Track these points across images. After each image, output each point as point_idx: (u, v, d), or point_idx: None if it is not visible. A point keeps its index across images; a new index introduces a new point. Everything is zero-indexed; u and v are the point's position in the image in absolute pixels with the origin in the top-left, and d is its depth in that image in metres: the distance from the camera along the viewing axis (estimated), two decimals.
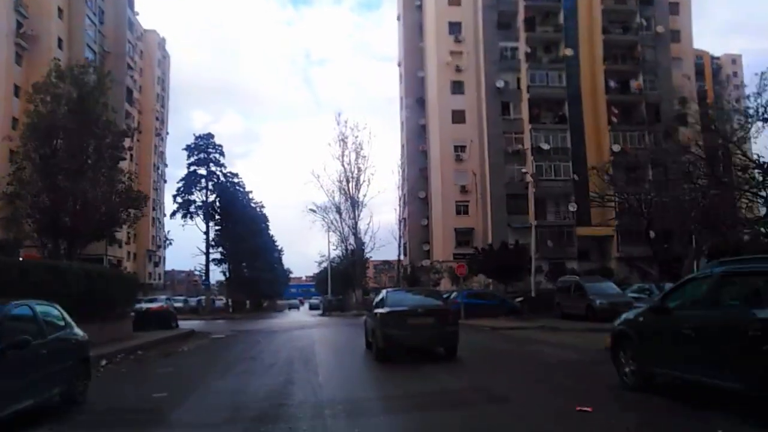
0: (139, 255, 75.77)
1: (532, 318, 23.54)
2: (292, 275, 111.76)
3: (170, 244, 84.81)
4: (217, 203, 40.35)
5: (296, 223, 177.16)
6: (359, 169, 40.00)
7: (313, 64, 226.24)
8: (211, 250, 51.95)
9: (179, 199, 39.86)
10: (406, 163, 57.28)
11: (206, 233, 40.05)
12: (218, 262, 53.82)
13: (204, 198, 40.11)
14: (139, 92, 74.95)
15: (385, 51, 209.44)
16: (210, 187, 40.06)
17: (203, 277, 45.85)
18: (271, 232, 72.87)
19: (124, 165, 66.47)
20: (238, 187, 52.21)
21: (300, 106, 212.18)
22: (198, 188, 39.88)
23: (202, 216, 40.15)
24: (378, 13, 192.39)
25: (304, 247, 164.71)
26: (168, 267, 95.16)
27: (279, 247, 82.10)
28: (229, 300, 50.16)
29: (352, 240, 41.59)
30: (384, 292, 13.64)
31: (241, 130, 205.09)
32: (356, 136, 41.37)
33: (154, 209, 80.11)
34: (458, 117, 49.14)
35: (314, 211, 40.40)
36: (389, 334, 10.78)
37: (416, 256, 54.16)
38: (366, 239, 40.58)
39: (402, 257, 57.34)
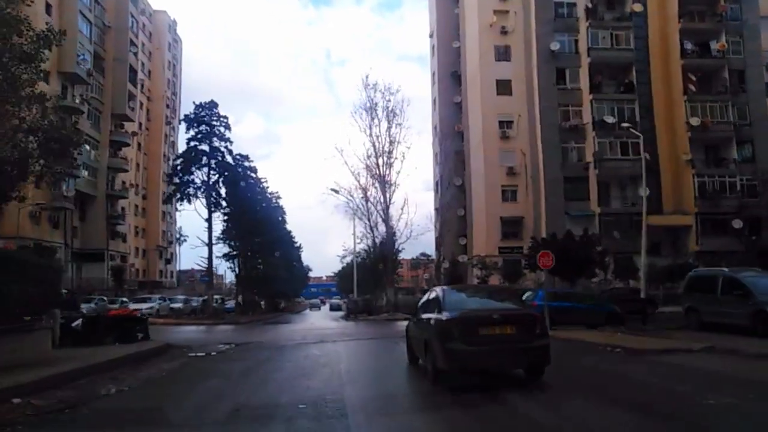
0: (148, 251, 69.83)
1: (652, 331, 16.19)
2: (311, 273, 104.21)
3: (185, 240, 78.73)
4: (221, 184, 33.44)
5: (317, 224, 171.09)
6: (391, 142, 32.84)
7: (333, 65, 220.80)
8: (218, 243, 45.39)
9: (176, 180, 33.09)
10: (439, 145, 50.14)
11: (209, 220, 33.29)
12: (229, 258, 47.27)
13: (206, 178, 33.25)
14: (148, 77, 69.04)
15: (405, 51, 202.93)
16: (213, 165, 33.24)
17: (202, 274, 39.19)
18: (289, 228, 66.39)
19: (129, 153, 60.57)
20: (250, 172, 45.54)
21: (320, 107, 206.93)
22: (198, 166, 33.11)
23: (205, 201, 33.34)
24: (398, 13, 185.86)
25: (324, 247, 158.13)
26: (187, 266, 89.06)
27: (297, 244, 75.45)
28: (239, 300, 43.48)
29: (382, 229, 34.42)
30: (438, 290, 9.55)
31: (262, 131, 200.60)
32: (388, 100, 34.24)
33: (164, 203, 74.16)
34: (504, 87, 41.71)
35: (336, 191, 33.35)
36: (453, 350, 7.67)
37: (451, 251, 46.90)
38: (399, 226, 33.41)
39: (433, 253, 50.21)
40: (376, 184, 33.03)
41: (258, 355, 13.66)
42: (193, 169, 32.90)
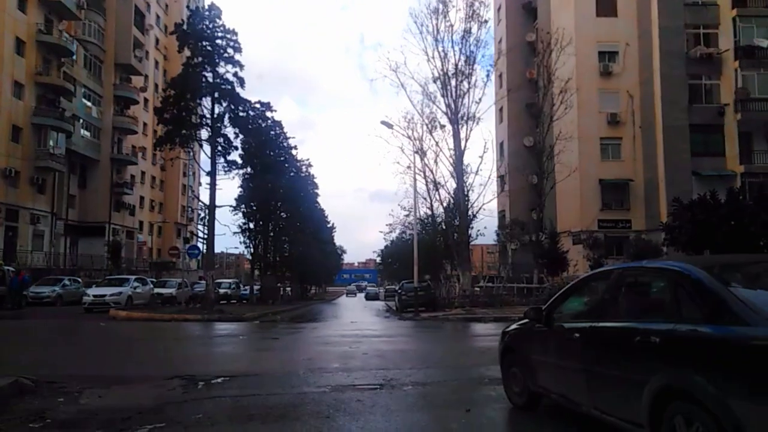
0: (165, 228, 61.29)
1: None
2: (344, 258, 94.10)
3: None
4: (229, 123, 23.54)
5: (348, 212, 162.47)
6: (467, 57, 22.21)
7: (367, 49, 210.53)
8: (235, 212, 36.02)
9: (166, 116, 23.42)
10: (505, 97, 39.55)
11: (211, 173, 23.61)
12: (248, 233, 37.81)
13: (208, 113, 23.40)
14: (165, 33, 60.07)
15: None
16: (217, 96, 23.52)
17: (189, 245, 30.02)
18: (321, 206, 56.95)
19: (144, 116, 51.77)
20: (272, 124, 35.95)
21: (354, 94, 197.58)
22: (198, 97, 23.38)
23: (208, 147, 23.70)
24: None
25: (355, 235, 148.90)
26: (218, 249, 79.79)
27: (330, 223, 65.96)
28: (253, 286, 34.22)
29: (450, 185, 24.10)
30: (686, 267, 3.64)
31: (297, 117, 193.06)
32: None
33: (184, 174, 65.66)
34: (606, 5, 30.70)
35: (389, 125, 22.83)
36: None
37: (518, 228, 36.40)
38: (475, 182, 23.02)
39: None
40: (444, 122, 22.62)
41: None
42: (191, 103, 23.16)
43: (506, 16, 40.58)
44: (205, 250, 26.59)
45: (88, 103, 42.35)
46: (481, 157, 23.04)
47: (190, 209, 66.85)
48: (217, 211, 23.73)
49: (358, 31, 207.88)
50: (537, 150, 24.18)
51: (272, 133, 36.48)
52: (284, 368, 8.42)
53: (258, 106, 34.58)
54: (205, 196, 29.78)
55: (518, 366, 5.39)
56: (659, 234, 27.83)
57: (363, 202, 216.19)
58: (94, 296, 20.06)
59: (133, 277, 23.41)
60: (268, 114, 35.06)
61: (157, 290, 24.45)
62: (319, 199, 53.58)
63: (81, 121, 41.27)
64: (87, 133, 42.70)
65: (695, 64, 28.54)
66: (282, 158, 37.42)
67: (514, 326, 5.81)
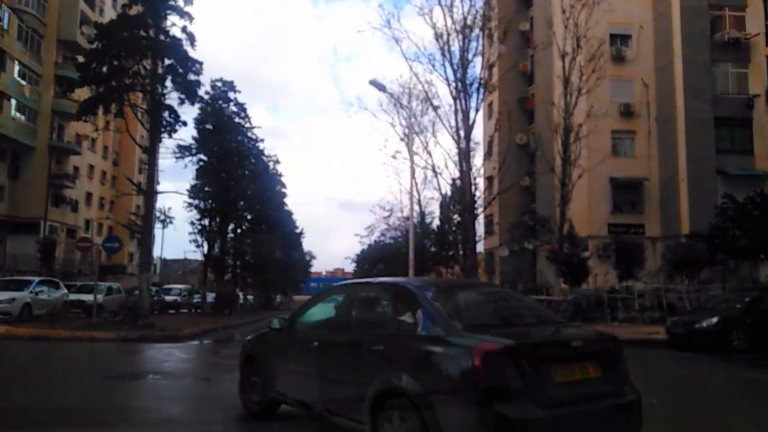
0: (117, 229, 54.70)
1: None
2: (313, 265, 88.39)
3: (170, 222, 63.70)
4: (172, 85, 18.12)
5: (316, 222, 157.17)
6: (477, 11, 17.35)
7: (340, 61, 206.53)
8: (189, 208, 30.57)
9: (90, 74, 17.93)
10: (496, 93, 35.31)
11: (150, 149, 18.16)
12: (204, 232, 32.10)
13: (147, 73, 17.93)
14: None
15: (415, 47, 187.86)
16: (159, 50, 18.14)
17: (106, 238, 24.69)
18: (289, 207, 51.70)
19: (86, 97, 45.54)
20: (234, 107, 30.80)
21: (327, 102, 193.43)
22: (134, 57, 17.95)
23: (147, 117, 18.31)
24: (405, 10, 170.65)
25: (323, 244, 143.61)
26: (172, 253, 73.34)
27: (299, 229, 60.36)
28: (205, 294, 28.70)
29: (453, 170, 19.36)
30: (392, 283, 4.93)
31: (269, 126, 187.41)
32: None
33: (140, 171, 59.27)
34: None
35: (382, 88, 17.78)
36: (513, 420, 3.19)
37: (506, 236, 32.11)
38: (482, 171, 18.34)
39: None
40: (443, 93, 17.97)
41: None
42: (123, 60, 17.80)
43: (497, 3, 36.46)
44: (137, 247, 21.00)
45: (22, 81, 36.27)
46: (494, 134, 18.31)
47: (144, 209, 60.52)
48: (172, 209, 18.30)
49: (332, 42, 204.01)
50: (564, 129, 19.86)
51: (236, 119, 31.29)
52: None
53: (219, 84, 29.56)
54: (168, 200, 24.10)
55: (259, 374, 5.42)
56: (678, 241, 23.95)
57: (332, 212, 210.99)
58: None
59: (37, 279, 17.66)
60: (231, 95, 30.16)
61: (76, 296, 18.76)
62: (286, 200, 48.29)
63: (12, 101, 35.18)
64: (20, 116, 36.59)
65: (720, 49, 24.82)
66: (245, 147, 32.10)
67: (256, 335, 5.88)
